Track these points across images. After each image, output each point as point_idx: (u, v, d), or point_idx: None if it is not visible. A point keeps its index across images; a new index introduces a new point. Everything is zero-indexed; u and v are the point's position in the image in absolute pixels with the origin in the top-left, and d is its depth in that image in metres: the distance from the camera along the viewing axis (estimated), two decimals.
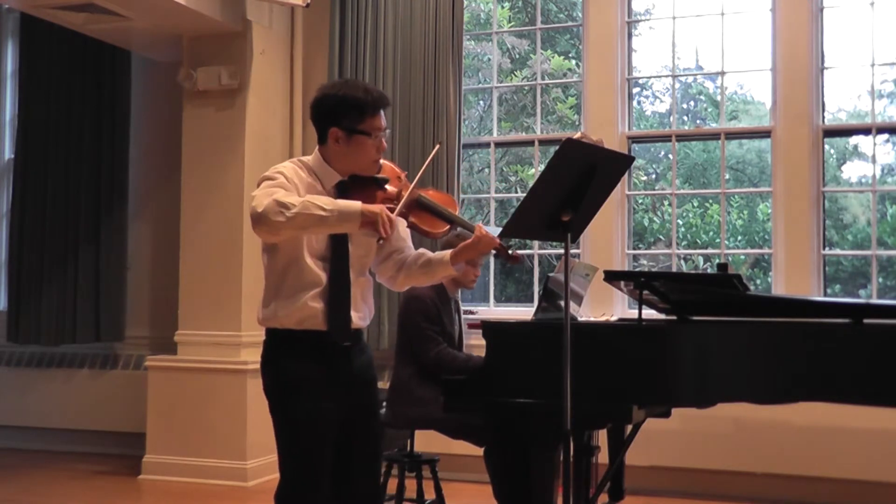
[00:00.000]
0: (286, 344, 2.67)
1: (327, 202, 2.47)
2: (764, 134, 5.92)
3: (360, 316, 2.71)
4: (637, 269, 6.14)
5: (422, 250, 2.84)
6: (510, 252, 2.75)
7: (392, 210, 2.55)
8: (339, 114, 2.65)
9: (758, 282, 9.16)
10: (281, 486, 2.65)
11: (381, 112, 2.68)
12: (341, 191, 2.65)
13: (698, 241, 9.89)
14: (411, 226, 2.73)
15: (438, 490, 4.31)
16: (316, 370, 2.64)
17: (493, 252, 2.75)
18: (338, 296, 2.64)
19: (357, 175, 2.69)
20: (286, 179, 2.59)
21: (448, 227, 2.73)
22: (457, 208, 2.80)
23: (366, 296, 2.75)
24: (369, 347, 2.83)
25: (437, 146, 3.18)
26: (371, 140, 2.65)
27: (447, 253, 2.75)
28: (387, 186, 2.70)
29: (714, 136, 6.40)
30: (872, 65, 5.50)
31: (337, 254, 2.65)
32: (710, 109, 10.15)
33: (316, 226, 2.46)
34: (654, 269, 7.29)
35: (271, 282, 2.67)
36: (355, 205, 2.48)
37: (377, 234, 2.46)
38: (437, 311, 4.13)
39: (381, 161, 2.75)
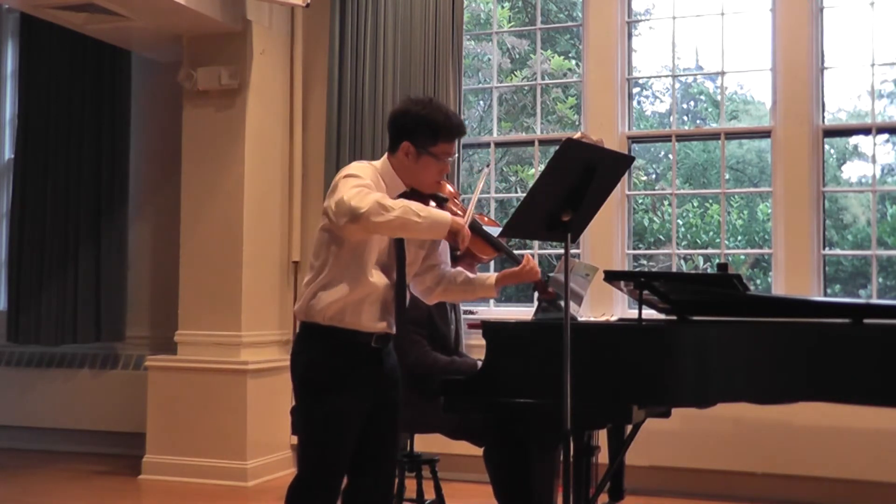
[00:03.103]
0: (324, 340, 2.73)
1: (421, 209, 2.57)
2: (764, 134, 5.91)
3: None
4: (637, 269, 6.14)
5: (459, 269, 2.97)
6: (548, 289, 2.92)
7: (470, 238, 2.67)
8: (416, 131, 2.74)
9: (758, 282, 9.16)
10: (296, 480, 2.72)
11: (455, 140, 2.80)
12: None
13: (698, 241, 9.89)
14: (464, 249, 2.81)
15: (438, 490, 4.31)
16: (351, 368, 2.72)
17: (533, 285, 2.93)
18: (398, 302, 2.77)
19: (417, 190, 2.79)
20: (370, 181, 2.68)
21: (496, 254, 2.87)
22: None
23: None
24: (394, 351, 2.93)
25: (487, 170, 3.28)
26: (437, 163, 2.75)
27: (493, 276, 2.90)
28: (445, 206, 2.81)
29: (714, 136, 6.40)
30: (872, 65, 5.50)
31: (398, 261, 2.77)
32: (710, 109, 10.14)
33: (408, 229, 2.57)
34: (654, 269, 7.29)
35: (328, 276, 2.72)
36: (446, 215, 2.59)
37: (457, 245, 2.59)
38: (427, 311, 4.12)
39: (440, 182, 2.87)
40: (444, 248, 2.95)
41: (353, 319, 2.71)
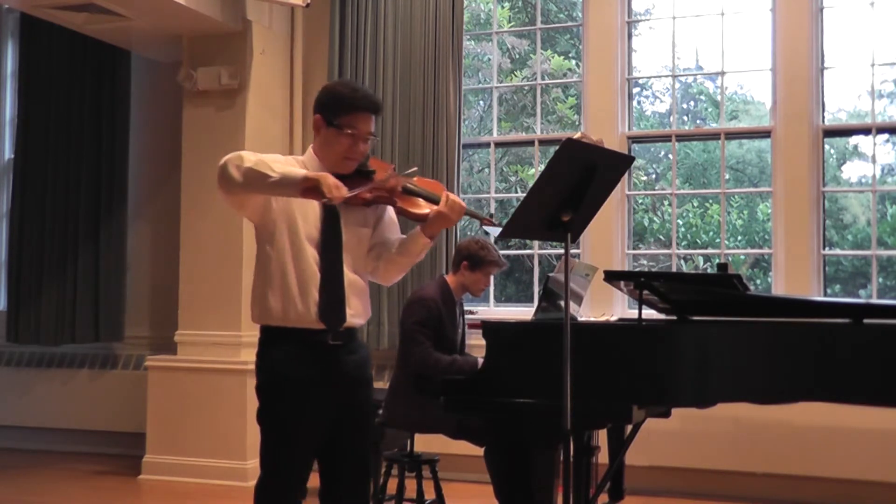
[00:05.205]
0: (276, 341, 2.66)
1: (279, 166, 2.51)
2: (764, 134, 5.91)
3: (353, 313, 2.66)
4: (637, 269, 6.14)
5: (397, 237, 2.82)
6: (489, 216, 2.77)
7: (358, 189, 2.56)
8: (325, 104, 2.70)
9: (758, 282, 9.16)
10: (259, 480, 2.67)
11: (366, 114, 2.66)
12: None
13: (698, 241, 9.89)
14: (399, 211, 2.74)
15: (438, 490, 4.32)
16: (303, 369, 2.62)
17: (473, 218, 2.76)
18: (331, 288, 2.62)
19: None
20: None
21: (428, 205, 2.72)
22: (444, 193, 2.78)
23: (360, 294, 2.71)
24: (365, 348, 2.80)
25: (415, 168, 3.17)
26: (343, 137, 2.64)
27: (418, 226, 2.71)
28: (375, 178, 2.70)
29: (714, 136, 6.40)
30: (872, 65, 5.50)
31: (328, 244, 2.64)
32: (710, 109, 10.14)
33: (260, 184, 2.49)
34: (654, 269, 7.29)
35: (265, 275, 2.66)
36: (300, 171, 2.52)
37: (323, 198, 2.46)
38: (437, 314, 4.12)
39: (373, 159, 2.77)
40: (391, 222, 2.81)
41: (301, 316, 2.60)
